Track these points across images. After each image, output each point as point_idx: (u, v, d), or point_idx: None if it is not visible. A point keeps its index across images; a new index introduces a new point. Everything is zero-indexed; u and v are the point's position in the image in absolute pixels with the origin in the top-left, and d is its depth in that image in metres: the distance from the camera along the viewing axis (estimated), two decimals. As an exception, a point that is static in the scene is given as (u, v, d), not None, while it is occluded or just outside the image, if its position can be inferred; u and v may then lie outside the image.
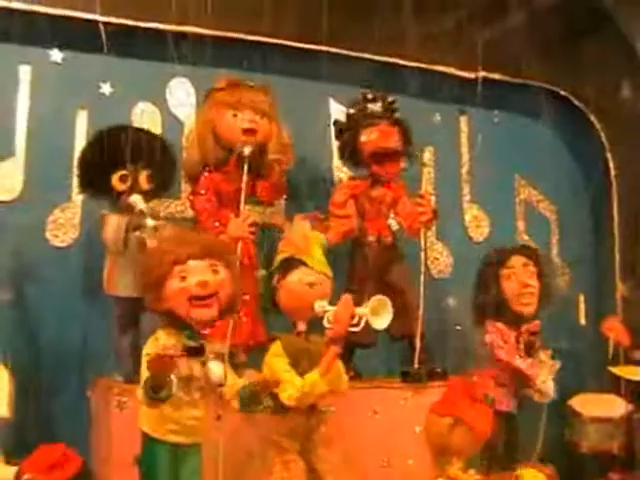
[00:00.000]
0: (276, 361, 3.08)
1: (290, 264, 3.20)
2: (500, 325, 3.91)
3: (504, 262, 4.01)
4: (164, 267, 2.81)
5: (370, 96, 3.98)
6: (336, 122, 4.11)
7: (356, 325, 3.06)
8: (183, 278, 2.80)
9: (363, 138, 3.90)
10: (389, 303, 3.10)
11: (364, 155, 3.92)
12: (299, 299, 3.16)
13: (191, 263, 2.82)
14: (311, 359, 3.08)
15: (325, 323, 3.10)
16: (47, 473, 2.82)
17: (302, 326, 3.19)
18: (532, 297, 3.95)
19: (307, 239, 3.27)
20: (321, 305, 3.13)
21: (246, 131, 3.67)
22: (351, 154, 3.98)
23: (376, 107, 3.95)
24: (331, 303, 3.15)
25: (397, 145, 3.93)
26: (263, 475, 3.08)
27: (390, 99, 4.00)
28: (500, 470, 3.56)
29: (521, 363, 3.82)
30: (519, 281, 3.95)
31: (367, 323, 3.07)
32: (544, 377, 3.80)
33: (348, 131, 3.98)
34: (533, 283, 3.97)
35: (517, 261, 4.01)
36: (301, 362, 3.08)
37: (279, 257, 3.27)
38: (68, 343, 3.75)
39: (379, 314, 3.08)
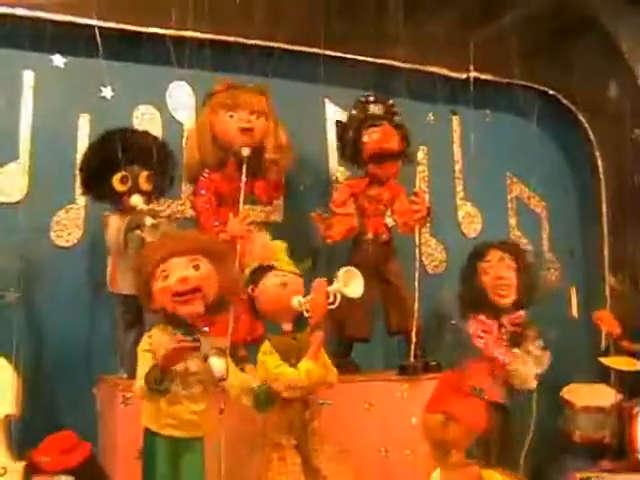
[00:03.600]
0: (267, 359, 3.09)
1: (260, 271, 3.21)
2: (481, 317, 3.92)
3: (482, 256, 4.03)
4: (149, 268, 2.83)
5: (372, 98, 3.98)
6: (338, 122, 4.11)
7: (332, 303, 3.10)
8: (165, 277, 2.81)
9: (365, 138, 3.91)
10: (357, 271, 3.15)
11: (365, 155, 3.91)
12: (276, 300, 3.16)
13: (172, 261, 2.81)
14: (299, 355, 3.08)
15: (305, 314, 3.11)
16: (60, 456, 2.81)
17: (287, 326, 3.18)
18: (508, 289, 3.95)
19: (267, 248, 3.32)
20: (298, 300, 3.14)
21: (242, 130, 3.65)
22: (352, 153, 3.98)
23: (377, 109, 3.96)
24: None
25: (397, 147, 3.93)
26: (261, 470, 3.07)
27: (390, 102, 4.00)
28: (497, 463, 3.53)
29: (496, 352, 3.82)
30: (494, 274, 3.96)
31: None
32: (517, 366, 3.79)
33: (350, 131, 3.96)
34: (508, 275, 3.97)
35: (494, 255, 4.02)
36: (290, 358, 3.08)
37: (247, 270, 3.26)
38: (73, 341, 3.74)
39: (350, 283, 3.12)
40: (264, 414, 3.04)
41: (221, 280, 2.91)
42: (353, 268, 3.17)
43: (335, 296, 3.10)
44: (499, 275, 3.95)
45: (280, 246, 3.31)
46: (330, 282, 3.13)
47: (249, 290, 3.20)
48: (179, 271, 2.80)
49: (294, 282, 3.20)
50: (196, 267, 2.84)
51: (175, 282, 2.79)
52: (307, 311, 3.10)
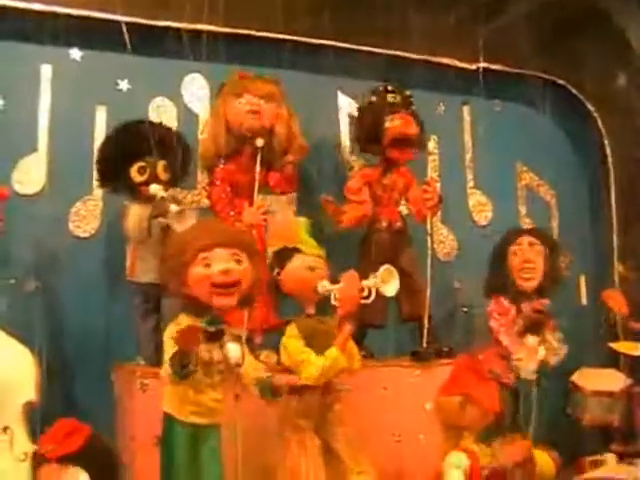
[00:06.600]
0: (292, 342, 3.05)
1: (286, 254, 3.17)
2: (502, 299, 3.92)
3: (514, 240, 4.04)
4: (190, 253, 2.76)
5: (390, 87, 3.98)
6: (360, 108, 4.09)
7: (367, 297, 3.06)
8: (207, 265, 2.75)
9: (387, 124, 3.89)
10: (395, 271, 3.12)
11: (385, 140, 3.89)
12: (303, 284, 3.13)
13: (216, 251, 2.76)
14: (325, 339, 3.05)
15: (333, 301, 3.08)
16: (62, 442, 2.82)
17: (311, 309, 3.16)
18: (533, 272, 3.95)
19: (291, 228, 3.28)
20: (324, 285, 3.11)
21: (250, 112, 3.65)
22: (371, 138, 3.96)
23: (395, 98, 3.95)
24: (333, 282, 3.13)
25: (416, 133, 3.93)
26: (280, 453, 3.05)
27: (407, 92, 4.00)
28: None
29: (504, 336, 3.80)
30: (523, 257, 3.96)
31: (378, 298, 3.08)
32: (521, 355, 3.78)
33: (371, 116, 3.95)
34: (537, 261, 3.96)
35: (525, 240, 4.03)
36: (315, 343, 3.04)
37: (270, 250, 3.24)
38: (92, 329, 3.73)
39: (388, 282, 3.09)
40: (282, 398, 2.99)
41: (254, 276, 2.87)
42: (392, 267, 3.13)
43: (370, 291, 3.06)
44: (527, 258, 3.95)
45: (304, 223, 3.27)
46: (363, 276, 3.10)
47: (275, 273, 3.16)
48: (222, 262, 2.75)
49: (320, 265, 3.16)
50: (238, 261, 2.79)
51: (218, 273, 2.73)
52: (335, 299, 3.07)
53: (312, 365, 2.98)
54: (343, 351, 3.01)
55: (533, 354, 3.78)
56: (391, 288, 3.10)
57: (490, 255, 4.07)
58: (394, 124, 3.89)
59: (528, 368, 3.77)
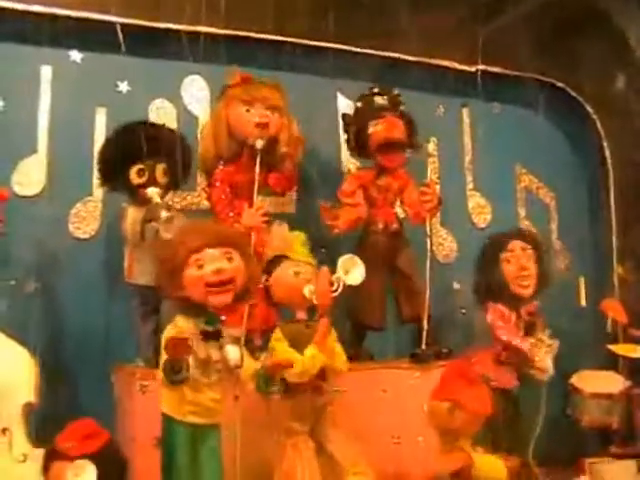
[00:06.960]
0: (277, 345, 3.09)
1: (274, 261, 3.22)
2: (500, 306, 3.84)
3: (504, 246, 3.93)
4: (181, 256, 2.79)
5: (376, 90, 3.95)
6: (344, 115, 4.08)
7: (335, 291, 3.11)
8: (200, 266, 2.78)
9: (370, 130, 3.86)
10: (357, 258, 3.18)
11: (371, 146, 3.87)
12: (289, 289, 3.17)
13: (207, 251, 2.79)
14: (310, 342, 3.06)
15: (314, 301, 3.12)
16: (83, 442, 2.79)
17: (301, 314, 3.19)
18: (530, 279, 3.86)
19: (286, 240, 3.30)
20: (310, 289, 3.13)
21: (258, 125, 3.63)
22: (359, 145, 3.94)
23: (382, 100, 3.92)
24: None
25: (402, 136, 3.88)
26: (275, 458, 3.07)
27: (395, 92, 3.97)
28: (506, 448, 3.50)
29: (520, 342, 3.76)
30: (518, 264, 3.87)
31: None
32: (541, 355, 3.74)
33: (356, 124, 3.94)
34: (531, 266, 3.89)
35: (516, 245, 3.92)
36: (300, 345, 3.06)
37: (264, 260, 3.28)
38: (91, 330, 3.72)
39: (351, 271, 3.15)
40: (275, 401, 3.02)
41: (247, 272, 2.89)
42: (353, 256, 3.18)
43: (338, 283, 3.11)
44: (523, 265, 3.85)
45: (299, 237, 3.29)
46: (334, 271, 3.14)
47: (263, 279, 3.19)
48: (214, 262, 2.78)
49: (307, 271, 3.18)
50: (230, 259, 2.82)
51: (210, 273, 2.77)
52: (315, 300, 3.11)
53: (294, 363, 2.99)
54: (322, 347, 3.03)
55: (547, 352, 3.76)
56: (354, 277, 3.15)
57: (478, 262, 3.98)
58: (377, 129, 3.85)
59: (550, 364, 3.73)
